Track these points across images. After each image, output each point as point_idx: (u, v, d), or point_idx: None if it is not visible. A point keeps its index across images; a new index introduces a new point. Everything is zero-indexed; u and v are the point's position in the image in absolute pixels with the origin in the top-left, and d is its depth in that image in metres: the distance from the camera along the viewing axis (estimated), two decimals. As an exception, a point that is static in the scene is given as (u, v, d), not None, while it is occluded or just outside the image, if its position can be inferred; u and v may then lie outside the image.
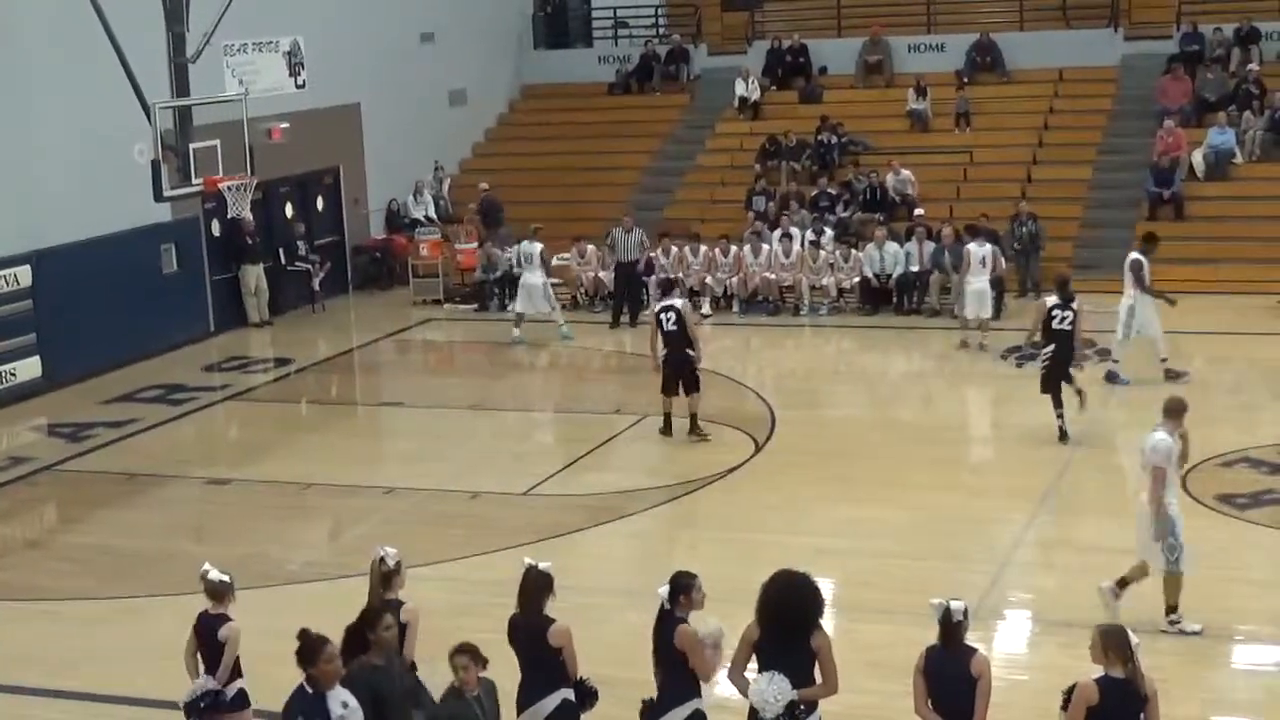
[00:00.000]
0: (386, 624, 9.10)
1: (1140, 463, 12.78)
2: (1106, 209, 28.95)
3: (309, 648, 8.57)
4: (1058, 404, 18.44)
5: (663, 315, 18.98)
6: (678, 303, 19.09)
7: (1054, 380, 18.46)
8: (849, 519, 16.02)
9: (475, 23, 34.14)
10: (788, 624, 8.97)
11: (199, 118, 21.05)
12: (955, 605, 8.90)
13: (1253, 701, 11.76)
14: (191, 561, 12.02)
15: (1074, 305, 18.42)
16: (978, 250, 23.67)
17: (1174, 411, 12.85)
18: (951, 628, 8.90)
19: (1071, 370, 18.56)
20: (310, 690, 8.52)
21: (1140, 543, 12.81)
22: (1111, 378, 20.79)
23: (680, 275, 26.48)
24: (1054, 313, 18.40)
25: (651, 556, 14.99)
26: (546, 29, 37.38)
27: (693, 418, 19.02)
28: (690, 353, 18.88)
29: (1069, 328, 18.32)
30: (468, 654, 8.83)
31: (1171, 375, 20.67)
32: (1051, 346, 18.41)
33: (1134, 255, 20.99)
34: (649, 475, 18.03)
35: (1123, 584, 12.89)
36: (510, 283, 28.06)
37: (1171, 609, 12.68)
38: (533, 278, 25.48)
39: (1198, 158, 28.96)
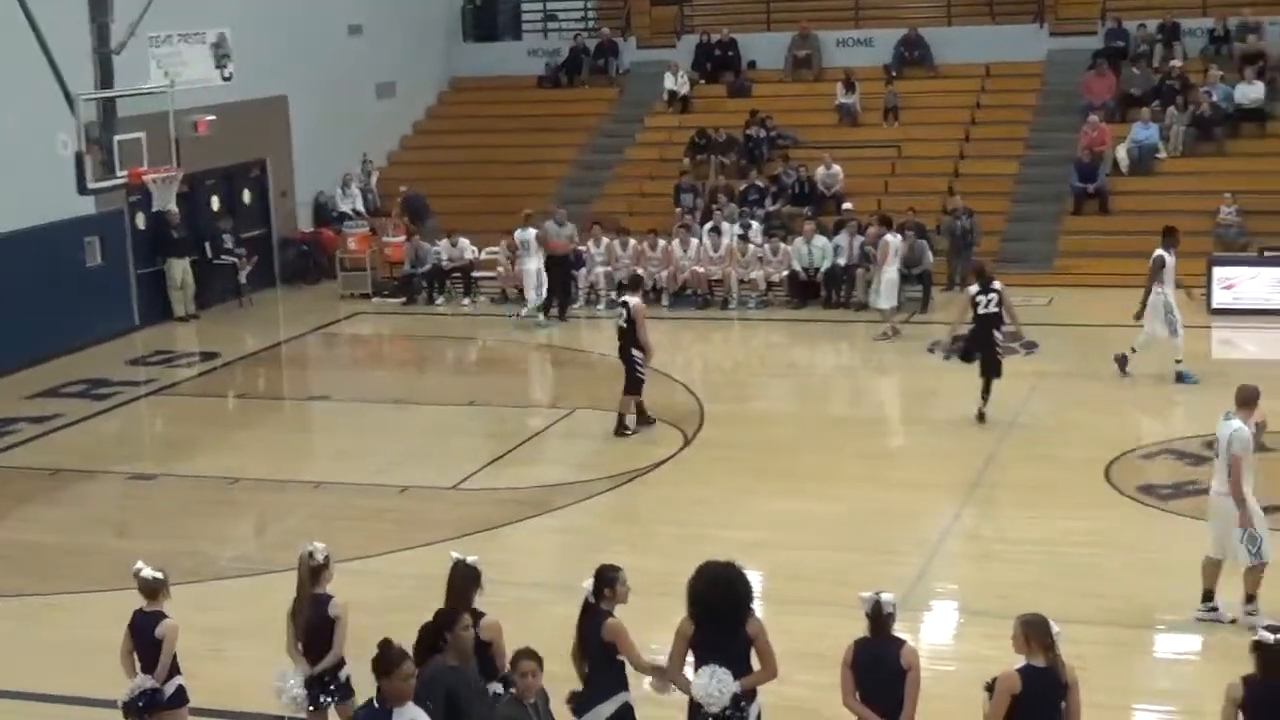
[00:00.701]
0: (464, 624, 8.84)
1: (1216, 451, 12.73)
2: (1032, 203, 29.22)
3: (387, 660, 8.19)
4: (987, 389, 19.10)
5: (619, 309, 19.16)
6: (632, 300, 19.06)
7: (970, 352, 19.18)
8: (778, 512, 16.08)
9: (404, 15, 34.02)
10: (720, 615, 8.99)
11: (124, 109, 20.85)
12: (885, 598, 8.96)
13: (1174, 690, 11.91)
14: (117, 558, 11.95)
15: (995, 287, 18.94)
16: (894, 241, 23.97)
17: (1248, 400, 12.73)
18: (882, 620, 8.95)
19: (998, 354, 19.05)
20: (378, 705, 8.20)
21: (1216, 537, 12.73)
22: (1182, 378, 20.46)
23: (610, 269, 26.67)
24: (977, 299, 18.91)
25: (580, 550, 14.97)
26: (475, 22, 37.28)
27: (619, 416, 19.07)
28: (634, 352, 18.87)
29: (995, 309, 18.84)
30: (534, 659, 8.61)
31: (1120, 361, 20.80)
32: (973, 329, 19.05)
33: (1158, 252, 20.70)
34: (578, 469, 18.04)
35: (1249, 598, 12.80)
36: (439, 276, 28.07)
37: (1250, 598, 12.68)
38: (530, 264, 25.74)
39: (1122, 152, 29.26)
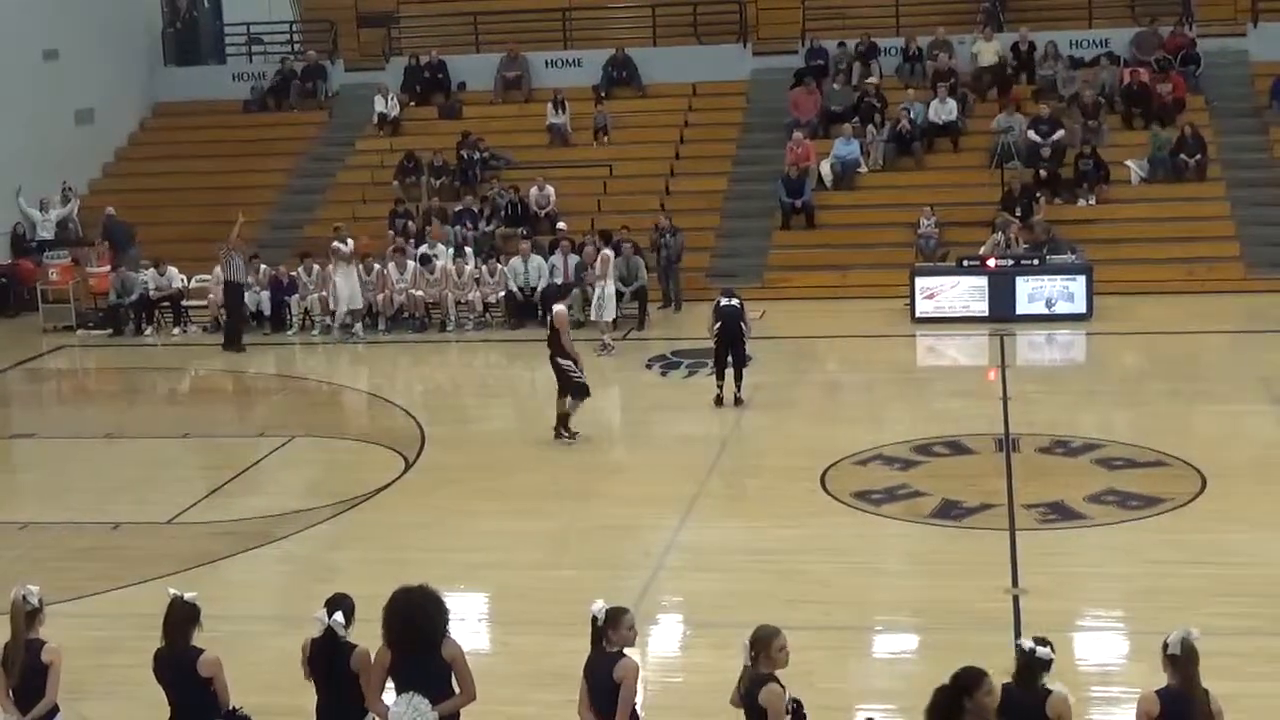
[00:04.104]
0: (987, 689, 8.12)
1: None
2: (742, 219, 29.79)
3: None
4: (721, 376, 20.35)
5: (548, 318, 19.37)
6: (556, 308, 19.37)
7: (721, 352, 20.28)
8: (503, 532, 16.04)
9: (101, 40, 33.05)
10: (414, 641, 8.89)
11: None
12: (594, 608, 9.02)
13: (893, 689, 12.21)
14: None
15: (737, 296, 20.46)
16: (611, 255, 24.58)
17: None
18: (594, 631, 9.00)
19: (746, 354, 20.41)
20: None
21: None
22: None
23: (324, 293, 26.40)
24: (720, 300, 20.36)
25: (303, 580, 14.74)
26: (177, 45, 36.45)
27: (561, 418, 19.09)
28: (560, 360, 18.89)
29: (736, 304, 20.19)
30: None
31: None
32: (720, 324, 20.08)
33: None
34: (298, 498, 17.72)
35: None
36: (146, 306, 27.36)
37: None
38: (352, 276, 25.82)
39: (826, 168, 30.05)
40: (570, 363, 18.97)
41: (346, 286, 26.01)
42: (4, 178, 29.35)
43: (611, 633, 8.99)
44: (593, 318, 24.70)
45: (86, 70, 32.34)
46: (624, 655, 9.00)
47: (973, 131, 30.80)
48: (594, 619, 9.00)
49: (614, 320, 24.67)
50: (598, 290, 24.37)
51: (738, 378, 20.34)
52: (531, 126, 32.70)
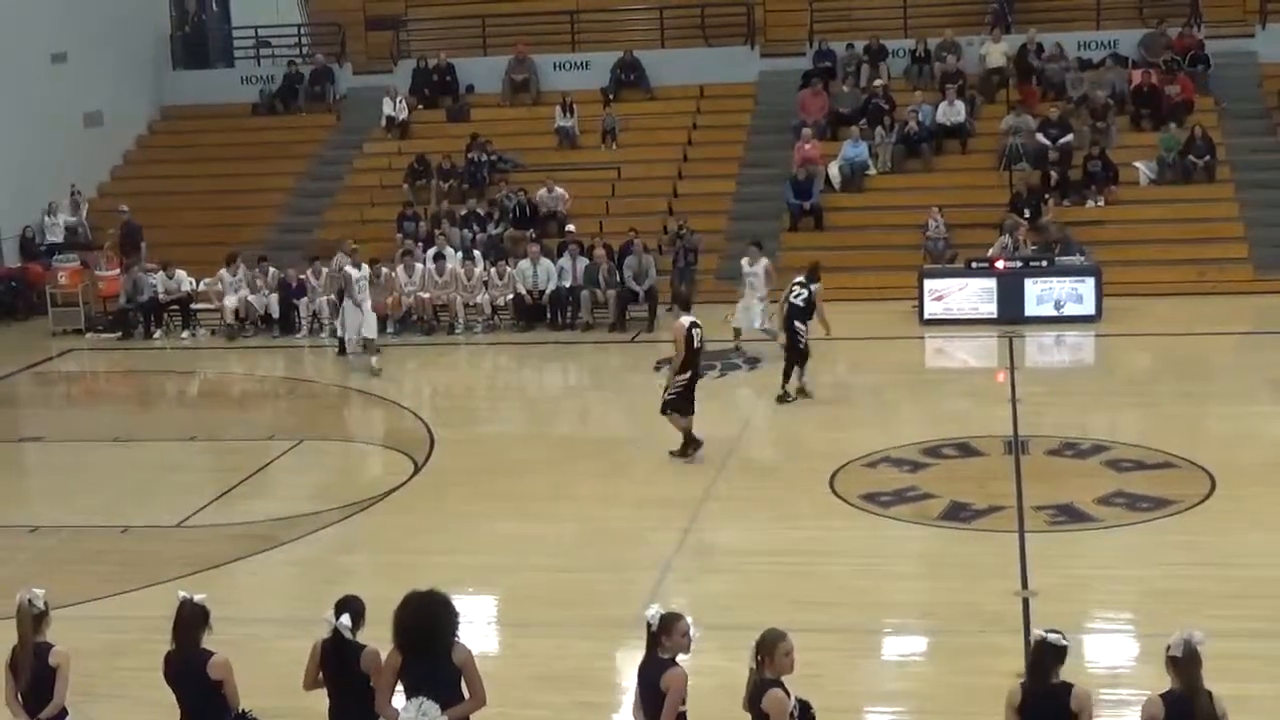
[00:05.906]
0: None
1: None
2: (750, 221, 29.76)
3: None
4: (787, 373, 20.62)
5: (694, 331, 18.11)
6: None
7: (791, 350, 20.56)
8: (512, 535, 16.04)
9: (109, 43, 33.11)
10: (425, 645, 8.87)
11: None
12: (649, 613, 8.96)
13: (903, 691, 12.22)
14: None
15: (812, 288, 20.39)
16: (769, 264, 24.44)
17: None
18: (649, 636, 8.94)
19: (800, 345, 20.41)
20: None
21: None
22: None
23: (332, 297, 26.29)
24: (793, 288, 20.44)
25: (312, 583, 14.75)
26: (185, 49, 36.53)
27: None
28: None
29: (800, 304, 20.24)
30: None
31: None
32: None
33: None
34: (307, 501, 17.73)
35: None
36: (156, 309, 27.39)
37: None
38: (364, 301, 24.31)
39: (834, 170, 30.05)
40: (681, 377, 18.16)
41: (355, 316, 23.96)
42: (12, 181, 29.39)
43: (665, 639, 8.88)
44: (759, 327, 23.66)
45: (95, 73, 32.40)
46: (674, 664, 8.88)
47: (981, 133, 30.81)
48: (648, 624, 8.95)
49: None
50: (755, 302, 23.75)
51: (786, 371, 20.58)
52: (539, 129, 32.73)
